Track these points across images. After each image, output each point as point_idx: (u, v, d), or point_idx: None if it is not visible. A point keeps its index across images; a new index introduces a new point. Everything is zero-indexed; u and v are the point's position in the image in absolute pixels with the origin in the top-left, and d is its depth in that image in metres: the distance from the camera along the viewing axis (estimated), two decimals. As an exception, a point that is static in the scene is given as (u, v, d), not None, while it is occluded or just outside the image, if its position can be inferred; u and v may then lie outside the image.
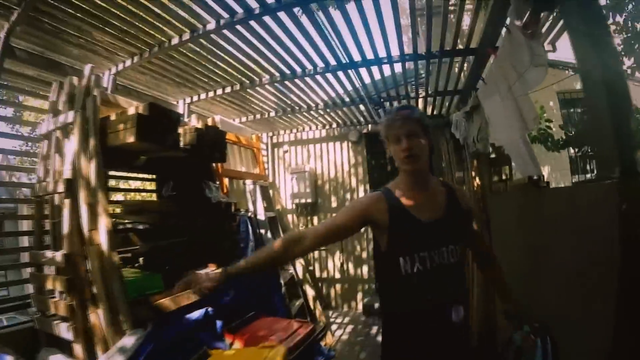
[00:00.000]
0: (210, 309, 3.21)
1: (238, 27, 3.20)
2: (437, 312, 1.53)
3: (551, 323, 1.83)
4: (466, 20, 3.38)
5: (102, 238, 2.64)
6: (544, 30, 3.20)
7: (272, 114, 5.73)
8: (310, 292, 5.26)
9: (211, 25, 3.19)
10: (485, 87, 3.40)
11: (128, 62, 3.80)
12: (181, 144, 3.20)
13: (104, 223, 2.66)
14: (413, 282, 1.53)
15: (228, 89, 4.60)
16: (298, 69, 4.10)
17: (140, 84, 4.46)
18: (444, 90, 4.88)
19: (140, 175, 5.67)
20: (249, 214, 4.57)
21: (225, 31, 3.28)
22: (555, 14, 2.95)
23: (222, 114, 5.63)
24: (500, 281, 1.90)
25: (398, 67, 4.69)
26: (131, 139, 2.79)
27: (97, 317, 2.58)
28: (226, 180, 4.65)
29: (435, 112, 6.06)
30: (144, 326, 2.66)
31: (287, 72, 4.14)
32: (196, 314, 3.11)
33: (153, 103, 2.94)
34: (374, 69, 4.21)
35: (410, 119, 1.57)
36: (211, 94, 4.74)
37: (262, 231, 4.49)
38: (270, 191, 5.41)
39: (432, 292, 1.53)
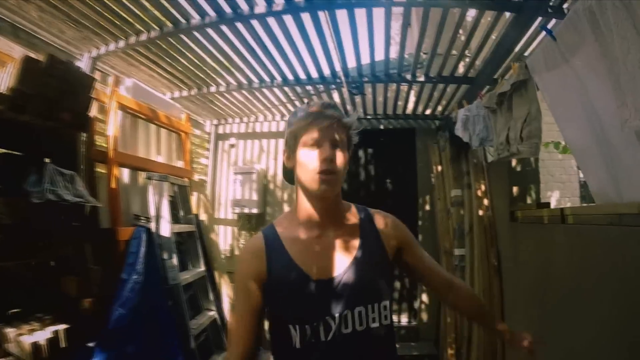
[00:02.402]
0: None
1: None
2: None
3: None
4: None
5: None
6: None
7: (213, 88, 4.21)
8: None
9: None
10: (547, 49, 2.04)
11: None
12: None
13: None
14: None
15: (144, 36, 3.06)
16: (244, 5, 2.63)
17: (34, 23, 2.82)
18: (450, 75, 3.52)
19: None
20: (150, 224, 3.00)
21: None
22: None
23: (148, 83, 4.07)
24: (473, 301, 1.38)
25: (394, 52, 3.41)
26: None
27: None
28: (120, 172, 3.07)
29: (427, 112, 4.69)
30: None
31: (227, 9, 2.65)
32: None
33: None
34: (363, 51, 2.89)
35: (341, 122, 1.16)
36: (122, 43, 3.17)
37: (165, 255, 2.93)
38: (196, 194, 3.84)
39: None
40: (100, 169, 3.00)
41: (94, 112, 3.10)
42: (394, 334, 1.23)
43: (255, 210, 4.84)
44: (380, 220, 1.27)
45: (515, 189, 3.17)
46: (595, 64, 1.67)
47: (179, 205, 3.44)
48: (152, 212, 3.07)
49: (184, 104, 4.70)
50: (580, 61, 1.79)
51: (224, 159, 5.49)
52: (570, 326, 2.06)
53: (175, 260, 2.98)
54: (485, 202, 3.58)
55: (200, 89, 4.25)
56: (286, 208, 5.10)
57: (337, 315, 1.10)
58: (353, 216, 1.28)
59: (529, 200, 3.10)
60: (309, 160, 1.12)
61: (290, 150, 1.19)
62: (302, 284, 1.13)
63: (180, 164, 3.98)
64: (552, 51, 1.99)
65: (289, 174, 1.24)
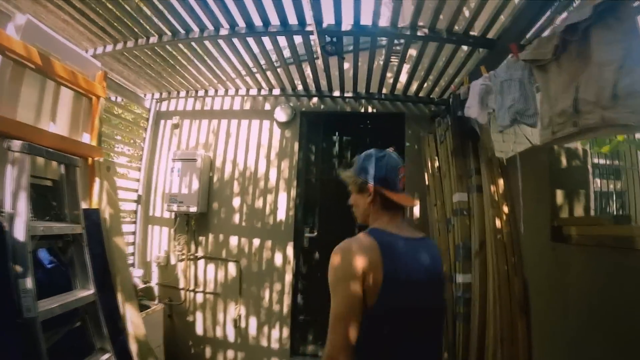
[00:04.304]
0: None
1: None
2: None
3: None
4: None
5: None
6: None
7: (142, 41, 3.11)
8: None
9: None
10: None
11: None
12: None
13: None
14: None
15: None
16: None
17: None
18: (463, 34, 2.54)
19: None
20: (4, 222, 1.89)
21: None
22: None
23: (63, 32, 3.03)
24: None
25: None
26: None
27: None
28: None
29: (420, 94, 3.70)
30: None
31: None
32: None
33: None
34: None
35: (345, 178, 1.55)
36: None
37: (19, 270, 1.82)
38: (98, 180, 2.69)
39: None
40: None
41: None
42: None
43: (194, 209, 3.72)
44: None
45: (559, 195, 2.17)
46: None
47: (64, 194, 2.31)
48: (7, 203, 1.94)
49: (115, 67, 3.67)
50: None
51: (164, 142, 4.35)
52: None
53: (29, 281, 1.86)
54: (505, 210, 2.60)
55: (126, 42, 3.18)
56: (235, 206, 4.01)
57: None
58: None
59: (578, 211, 2.11)
60: None
61: None
62: None
63: (85, 137, 2.86)
64: None
65: None
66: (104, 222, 2.63)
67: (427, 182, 3.49)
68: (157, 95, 4.39)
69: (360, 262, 1.19)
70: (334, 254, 1.27)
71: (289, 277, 3.81)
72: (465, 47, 2.84)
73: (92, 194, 2.69)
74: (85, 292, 2.26)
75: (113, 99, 4.25)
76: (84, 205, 2.67)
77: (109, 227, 2.64)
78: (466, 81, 2.81)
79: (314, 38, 2.68)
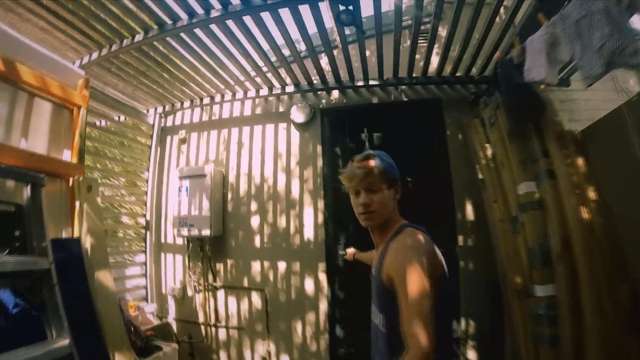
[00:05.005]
0: None
1: None
2: None
3: None
4: None
5: None
6: None
7: (127, 41, 2.71)
8: None
9: None
10: None
11: None
12: None
13: None
14: None
15: None
16: None
17: None
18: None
19: None
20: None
21: None
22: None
23: (44, 43, 2.70)
24: None
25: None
26: None
27: None
28: None
29: (458, 73, 3.14)
30: None
31: None
32: None
33: None
34: None
35: (371, 172, 1.40)
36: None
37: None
38: (77, 204, 2.21)
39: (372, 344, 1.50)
40: None
41: None
42: (387, 342, 1.33)
43: (206, 232, 3.22)
44: (393, 245, 1.33)
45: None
46: None
47: (30, 221, 1.84)
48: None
49: (109, 80, 3.37)
50: None
51: (172, 160, 3.90)
52: None
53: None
54: (591, 196, 1.99)
55: (111, 45, 2.80)
56: (254, 226, 3.47)
57: (372, 305, 1.45)
58: (389, 237, 1.41)
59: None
60: (354, 205, 1.44)
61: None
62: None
63: (66, 154, 2.42)
64: None
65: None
66: (86, 254, 2.14)
67: (480, 176, 2.87)
68: (160, 110, 3.98)
69: (437, 260, 1.28)
70: (417, 254, 1.23)
71: (323, 305, 3.21)
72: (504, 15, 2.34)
73: (74, 221, 2.22)
74: (59, 342, 1.76)
75: (116, 118, 3.88)
76: (65, 234, 2.22)
77: (90, 260, 2.14)
78: (517, 42, 2.25)
79: (325, 5, 2.17)
